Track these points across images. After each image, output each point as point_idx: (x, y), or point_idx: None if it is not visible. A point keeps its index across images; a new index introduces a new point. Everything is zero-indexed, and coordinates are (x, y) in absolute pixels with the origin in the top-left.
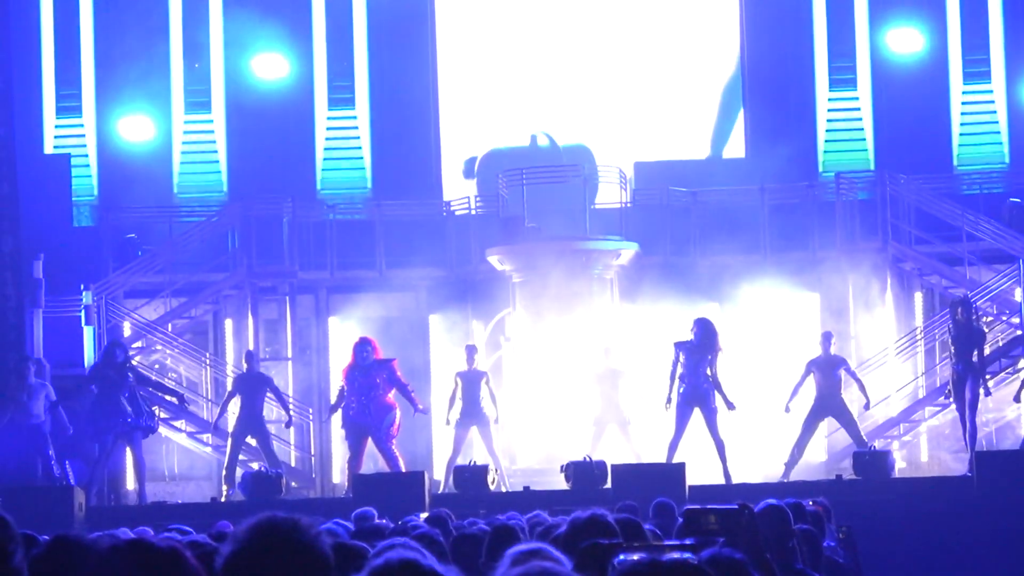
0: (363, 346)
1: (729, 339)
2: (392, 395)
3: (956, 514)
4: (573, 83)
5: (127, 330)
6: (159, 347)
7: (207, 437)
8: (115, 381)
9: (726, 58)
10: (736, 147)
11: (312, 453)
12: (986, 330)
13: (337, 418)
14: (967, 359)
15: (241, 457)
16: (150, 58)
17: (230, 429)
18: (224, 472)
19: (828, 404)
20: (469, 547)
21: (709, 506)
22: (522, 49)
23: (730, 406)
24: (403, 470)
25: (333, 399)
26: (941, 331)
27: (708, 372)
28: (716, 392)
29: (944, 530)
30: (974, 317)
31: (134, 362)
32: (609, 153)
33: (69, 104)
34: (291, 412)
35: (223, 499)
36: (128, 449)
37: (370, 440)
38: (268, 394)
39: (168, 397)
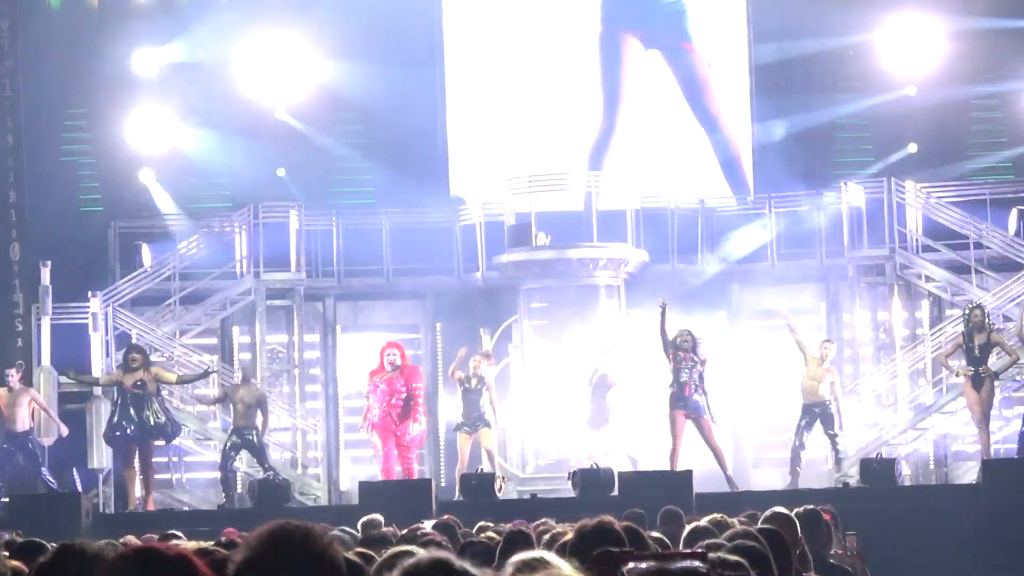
0: (390, 351)
1: (732, 347)
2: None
3: (964, 522)
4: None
5: (134, 338)
6: (166, 355)
7: (214, 443)
8: (132, 386)
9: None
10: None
11: (319, 460)
12: (999, 336)
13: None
14: (982, 364)
15: (246, 468)
16: (158, 65)
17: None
18: (220, 479)
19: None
20: (477, 554)
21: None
22: (527, 57)
23: (712, 421)
24: (413, 477)
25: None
26: (948, 338)
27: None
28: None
29: (952, 538)
30: (988, 322)
31: (155, 369)
32: None
33: (77, 111)
34: (266, 434)
35: (223, 506)
36: (138, 455)
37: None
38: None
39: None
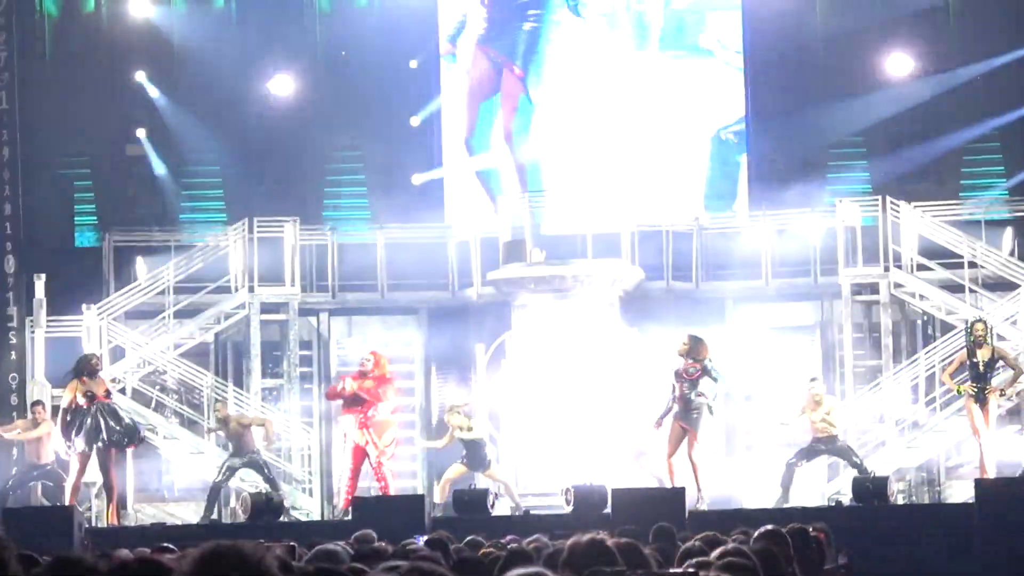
0: (364, 359)
1: (726, 365)
2: (389, 410)
3: (957, 541)
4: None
5: (128, 350)
6: (160, 368)
7: (206, 456)
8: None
9: None
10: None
11: (312, 475)
12: (1003, 348)
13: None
14: (985, 380)
15: (245, 485)
16: (156, 77)
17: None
18: (208, 494)
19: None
20: (471, 570)
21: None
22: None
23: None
24: (390, 492)
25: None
26: (952, 354)
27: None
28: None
29: (945, 557)
30: (990, 337)
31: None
32: None
33: (73, 124)
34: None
35: (201, 520)
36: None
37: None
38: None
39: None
